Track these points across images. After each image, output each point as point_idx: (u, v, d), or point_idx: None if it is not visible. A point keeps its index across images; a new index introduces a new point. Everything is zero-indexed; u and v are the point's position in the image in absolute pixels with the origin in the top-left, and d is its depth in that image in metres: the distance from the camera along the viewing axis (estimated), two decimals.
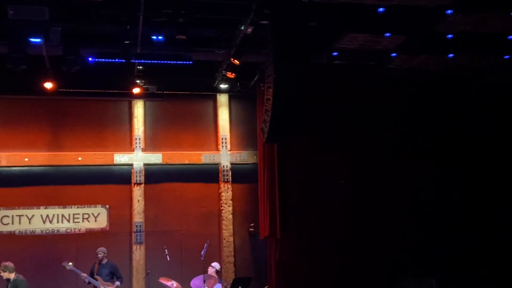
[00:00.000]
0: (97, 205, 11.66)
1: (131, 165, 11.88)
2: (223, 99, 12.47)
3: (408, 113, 11.49)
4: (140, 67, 10.74)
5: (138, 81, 11.06)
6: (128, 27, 9.29)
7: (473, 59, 10.77)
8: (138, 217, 11.71)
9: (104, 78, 10.91)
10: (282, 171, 11.01)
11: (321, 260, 10.87)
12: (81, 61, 9.86)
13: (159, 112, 12.23)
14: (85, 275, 10.07)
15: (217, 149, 12.34)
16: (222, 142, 12.34)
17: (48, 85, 10.64)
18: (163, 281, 10.02)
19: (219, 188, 12.21)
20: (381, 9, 8.81)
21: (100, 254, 10.33)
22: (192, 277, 10.19)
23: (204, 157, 12.25)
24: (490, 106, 11.78)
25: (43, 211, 11.41)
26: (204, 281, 10.01)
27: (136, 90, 11.17)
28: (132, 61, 10.06)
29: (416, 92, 11.44)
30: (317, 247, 10.91)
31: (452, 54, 10.45)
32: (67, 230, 11.48)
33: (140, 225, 11.68)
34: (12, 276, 9.35)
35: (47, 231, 11.39)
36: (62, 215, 11.48)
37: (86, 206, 11.61)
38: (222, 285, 10.28)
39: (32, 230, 11.35)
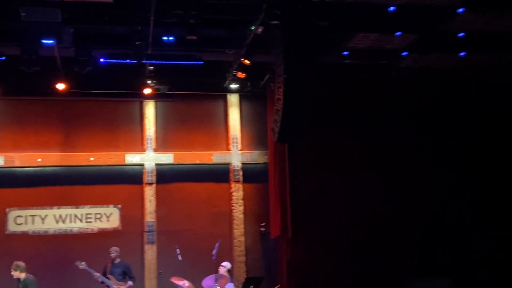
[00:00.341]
0: (109, 205, 11.73)
1: (143, 165, 11.94)
2: (233, 99, 12.50)
3: (420, 112, 11.44)
4: (151, 67, 10.78)
5: (149, 82, 11.11)
6: (139, 28, 9.35)
7: (485, 58, 10.72)
8: (150, 216, 11.77)
9: (116, 79, 10.96)
10: (293, 171, 11.01)
11: (333, 260, 10.86)
12: (93, 62, 9.90)
13: (170, 112, 12.29)
14: (98, 274, 10.14)
15: (228, 149, 12.37)
16: (233, 142, 12.37)
17: (61, 86, 10.72)
18: (175, 280, 10.06)
19: (230, 187, 12.24)
20: (392, 8, 8.80)
21: (113, 253, 10.40)
22: (204, 277, 10.22)
23: (215, 157, 12.28)
24: (503, 105, 11.70)
25: (56, 211, 11.51)
26: (216, 280, 10.04)
27: (147, 91, 11.22)
28: (143, 61, 10.09)
29: (427, 91, 11.39)
30: (329, 247, 10.90)
31: (463, 53, 10.41)
32: (80, 230, 11.56)
33: (152, 225, 11.73)
34: (22, 275, 9.39)
35: (60, 231, 11.48)
36: (75, 215, 11.57)
37: (98, 206, 11.68)
38: (233, 285, 10.30)
39: (45, 230, 11.44)
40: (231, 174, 12.26)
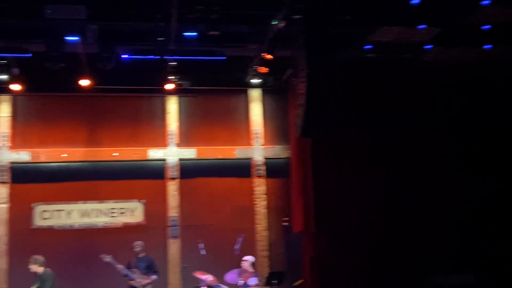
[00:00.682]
0: (133, 200, 11.84)
1: (165, 160, 12.02)
2: (255, 94, 12.51)
3: (443, 107, 11.33)
4: (174, 63, 10.82)
5: (171, 77, 11.16)
6: (161, 24, 9.41)
7: (509, 51, 10.57)
8: (173, 211, 11.86)
9: (139, 74, 11.05)
10: (315, 166, 11.00)
11: (356, 255, 10.83)
12: (116, 58, 10.01)
13: (193, 107, 12.35)
14: (122, 267, 10.24)
15: (250, 144, 12.39)
16: (255, 137, 12.39)
17: (85, 82, 10.85)
18: (198, 274, 10.11)
19: (252, 182, 12.26)
20: (415, 1, 8.71)
21: (137, 247, 10.49)
22: (227, 271, 10.27)
23: (237, 151, 12.32)
24: None
25: (81, 206, 11.65)
26: (239, 275, 10.08)
27: (169, 86, 11.29)
28: (166, 57, 10.17)
29: (451, 85, 11.27)
30: (352, 242, 10.88)
31: (488, 46, 10.27)
32: (105, 225, 11.69)
33: (175, 219, 11.82)
34: (40, 269, 9.39)
35: (85, 225, 11.62)
36: (100, 210, 11.70)
37: (122, 201, 11.79)
38: (257, 279, 10.33)
39: (71, 225, 11.59)
40: (253, 169, 12.28)
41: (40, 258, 9.47)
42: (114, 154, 11.81)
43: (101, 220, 11.68)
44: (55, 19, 8.72)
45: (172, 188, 11.93)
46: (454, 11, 9.16)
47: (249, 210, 12.15)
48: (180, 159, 12.06)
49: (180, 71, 11.05)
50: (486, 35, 9.85)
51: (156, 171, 11.99)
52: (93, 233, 11.61)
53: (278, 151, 12.44)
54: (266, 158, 12.34)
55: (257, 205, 12.14)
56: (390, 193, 11.13)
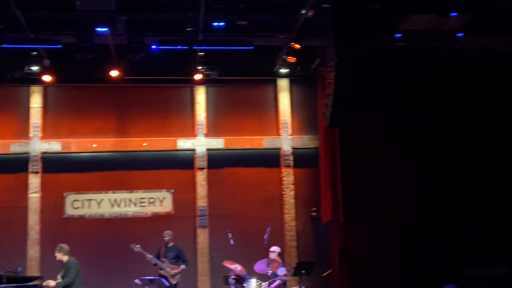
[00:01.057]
0: (162, 190, 11.93)
1: (194, 150, 12.08)
2: (283, 84, 12.47)
3: (475, 97, 11.12)
4: (202, 53, 10.87)
5: (200, 68, 11.18)
6: (190, 14, 9.42)
7: None
8: (201, 201, 11.92)
9: (167, 65, 11.09)
10: (344, 156, 10.94)
11: (385, 245, 10.76)
12: (145, 49, 10.08)
13: (221, 97, 12.36)
14: (151, 256, 10.34)
15: (278, 134, 12.36)
16: (283, 127, 12.36)
17: (114, 73, 10.95)
18: (227, 264, 10.15)
19: (280, 172, 12.25)
20: None
21: (167, 237, 10.58)
22: (255, 261, 10.27)
23: (265, 141, 12.31)
24: None
25: (111, 196, 11.79)
26: (268, 265, 10.10)
27: (198, 77, 11.31)
28: (194, 47, 10.20)
29: (483, 74, 11.05)
30: (380, 232, 10.81)
31: None
32: (134, 214, 11.81)
33: (204, 209, 11.88)
34: (65, 258, 9.45)
35: (115, 214, 11.75)
36: (129, 199, 11.82)
37: (151, 190, 11.89)
38: (285, 269, 10.34)
39: (101, 214, 11.73)
40: (281, 159, 12.26)
41: (65, 246, 9.56)
42: (143, 144, 11.90)
43: (131, 210, 11.81)
44: (85, 10, 8.82)
45: (201, 178, 11.99)
46: None
47: (277, 200, 12.15)
48: (208, 149, 12.10)
49: (208, 61, 11.08)
50: None
51: (185, 161, 12.06)
52: (123, 222, 11.74)
53: (306, 141, 12.39)
54: (294, 148, 12.31)
55: (285, 195, 12.13)
56: (419, 183, 11.01)
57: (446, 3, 9.09)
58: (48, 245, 11.00)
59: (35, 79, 11.17)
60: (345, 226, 10.92)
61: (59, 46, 9.93)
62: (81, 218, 11.68)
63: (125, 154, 11.93)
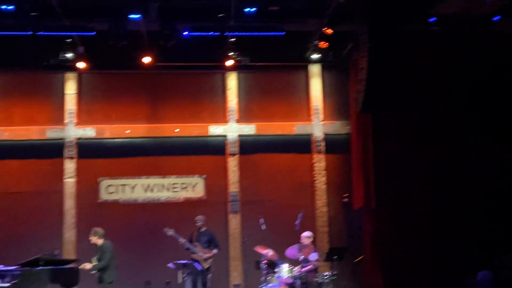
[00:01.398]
0: (194, 175, 12.03)
1: (225, 136, 12.13)
2: (315, 70, 12.39)
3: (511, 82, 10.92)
4: (233, 39, 10.87)
5: (231, 54, 11.19)
6: (221, 0, 9.42)
7: None
8: (233, 187, 11.99)
9: (199, 51, 11.14)
10: (376, 142, 10.88)
11: (417, 231, 10.71)
12: (177, 35, 10.14)
13: (252, 83, 12.37)
14: (184, 240, 10.47)
15: (310, 120, 12.32)
16: (315, 113, 12.30)
17: (147, 59, 11.03)
18: (258, 249, 10.22)
19: (312, 158, 12.23)
20: None
21: (199, 222, 10.68)
22: (287, 247, 10.33)
23: (297, 127, 12.28)
24: None
25: (144, 181, 11.95)
26: (300, 250, 10.14)
27: (229, 63, 11.33)
28: (226, 34, 10.20)
29: None
30: (412, 218, 10.75)
31: None
32: (167, 199, 11.95)
33: (235, 195, 11.95)
34: (100, 241, 9.59)
35: (148, 200, 11.92)
36: (162, 185, 11.96)
37: (184, 176, 12.00)
38: (317, 254, 10.36)
39: (135, 199, 11.91)
40: (313, 145, 12.24)
41: (99, 230, 9.70)
42: (175, 130, 12.00)
43: (164, 195, 11.95)
44: None
45: (232, 164, 12.05)
46: None
47: (309, 186, 12.15)
48: (240, 135, 12.14)
49: (240, 47, 11.08)
50: None
51: (217, 147, 12.13)
52: (156, 207, 11.89)
53: (338, 127, 12.33)
54: (326, 134, 12.26)
55: (317, 181, 12.12)
56: (452, 170, 10.89)
57: None
58: (83, 229, 11.18)
59: (69, 66, 11.32)
60: (377, 212, 10.90)
61: (93, 33, 10.04)
62: (115, 202, 11.87)
63: (158, 140, 12.06)
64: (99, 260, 9.46)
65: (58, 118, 11.90)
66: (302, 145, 12.24)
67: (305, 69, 12.42)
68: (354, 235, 11.75)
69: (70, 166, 11.76)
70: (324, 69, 12.37)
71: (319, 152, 12.20)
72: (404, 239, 10.71)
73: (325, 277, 9.80)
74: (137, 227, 11.68)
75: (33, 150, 11.78)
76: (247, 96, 12.35)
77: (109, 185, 11.86)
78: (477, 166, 10.92)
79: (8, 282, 8.99)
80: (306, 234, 10.43)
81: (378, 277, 10.79)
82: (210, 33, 10.12)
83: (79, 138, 11.86)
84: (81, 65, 11.24)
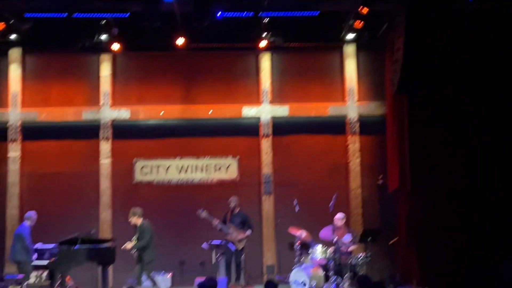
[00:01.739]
0: (228, 157, 12.06)
1: (259, 117, 12.09)
2: (349, 50, 12.21)
3: None
4: (267, 20, 10.79)
5: (265, 34, 11.11)
6: None
7: None
8: (266, 168, 11.98)
9: (232, 32, 11.10)
10: (412, 123, 10.69)
11: (452, 213, 10.54)
12: (211, 16, 10.11)
13: (286, 64, 12.29)
14: (218, 221, 10.53)
15: (344, 101, 12.18)
16: (349, 94, 12.15)
17: (180, 40, 11.04)
18: (292, 230, 10.25)
19: (346, 140, 12.12)
20: None
21: (232, 203, 10.72)
22: (320, 228, 10.33)
23: (331, 109, 12.16)
24: None
25: (178, 162, 12.03)
26: (334, 231, 10.12)
27: (263, 43, 11.26)
28: (260, 14, 10.13)
29: None
30: (448, 201, 10.57)
31: None
32: (201, 180, 12.02)
33: (268, 176, 11.94)
34: (139, 221, 9.69)
35: (182, 181, 11.99)
36: (196, 166, 12.02)
37: (217, 157, 12.03)
38: (351, 236, 10.33)
39: (169, 180, 12.00)
40: (347, 126, 12.11)
41: (138, 210, 9.80)
42: (209, 111, 12.02)
43: (197, 176, 12.02)
44: None
45: (266, 145, 12.03)
46: None
47: (343, 168, 12.06)
48: (273, 117, 12.09)
49: (274, 27, 10.99)
50: None
51: (250, 128, 12.11)
52: (190, 188, 11.97)
53: (373, 108, 12.17)
54: (360, 115, 12.11)
55: (351, 163, 12.02)
56: (488, 152, 10.65)
57: None
58: (119, 209, 11.40)
59: (104, 48, 11.42)
60: (412, 195, 10.76)
61: (127, 14, 10.08)
62: (150, 183, 11.99)
63: (191, 121, 12.11)
64: (138, 239, 9.59)
65: (93, 99, 12.03)
66: (336, 126, 12.13)
67: (339, 49, 12.25)
68: (388, 217, 11.66)
69: (105, 147, 11.90)
70: (359, 49, 12.18)
71: (354, 134, 12.08)
72: (439, 222, 10.55)
73: (359, 259, 9.79)
74: (171, 207, 11.79)
75: (70, 131, 11.96)
76: (280, 77, 12.27)
77: (144, 166, 11.98)
78: None
79: (46, 260, 9.27)
80: (339, 216, 10.40)
81: (412, 260, 10.70)
82: (243, 14, 10.07)
83: (114, 120, 11.98)
84: (115, 46, 11.31)
